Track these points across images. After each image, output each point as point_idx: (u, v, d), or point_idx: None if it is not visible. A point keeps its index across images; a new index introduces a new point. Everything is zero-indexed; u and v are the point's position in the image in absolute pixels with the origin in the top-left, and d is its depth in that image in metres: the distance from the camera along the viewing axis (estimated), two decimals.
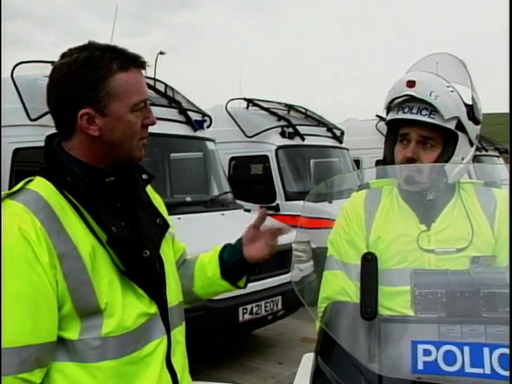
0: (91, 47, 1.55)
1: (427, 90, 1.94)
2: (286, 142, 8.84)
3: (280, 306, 5.94)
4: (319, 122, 9.73)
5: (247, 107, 9.40)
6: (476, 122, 2.00)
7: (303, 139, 9.01)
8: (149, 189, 1.80)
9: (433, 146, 1.99)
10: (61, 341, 1.46)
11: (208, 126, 7.04)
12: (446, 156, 1.98)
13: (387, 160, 2.11)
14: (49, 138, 1.62)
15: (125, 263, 1.53)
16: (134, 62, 1.57)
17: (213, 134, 7.23)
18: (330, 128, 9.73)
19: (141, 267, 1.57)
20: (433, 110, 1.94)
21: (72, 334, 1.46)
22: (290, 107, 9.74)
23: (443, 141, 1.98)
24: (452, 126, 1.95)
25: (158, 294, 1.63)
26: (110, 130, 1.54)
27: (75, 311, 1.45)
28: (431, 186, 2.00)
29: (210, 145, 7.14)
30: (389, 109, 2.08)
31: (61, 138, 1.61)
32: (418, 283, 1.17)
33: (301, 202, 7.85)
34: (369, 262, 1.17)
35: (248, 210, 6.77)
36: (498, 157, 15.33)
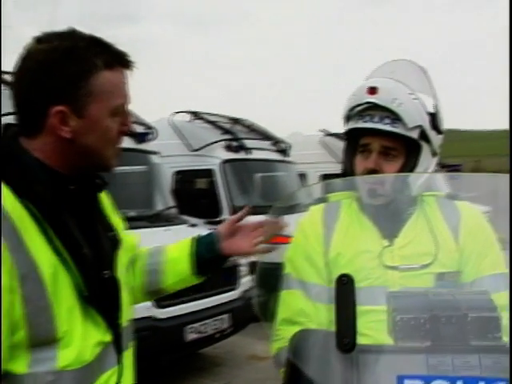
0: (74, 36, 1.35)
1: (389, 97, 1.83)
2: (232, 155, 8.73)
3: (228, 324, 5.77)
4: (265, 135, 9.64)
5: (192, 120, 9.24)
6: (438, 131, 1.91)
7: (249, 153, 8.91)
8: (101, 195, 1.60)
9: (395, 157, 1.87)
10: (4, 376, 1.24)
11: (152, 139, 6.84)
12: (408, 167, 1.87)
13: (347, 172, 1.99)
14: (5, 132, 1.42)
15: (88, 286, 1.34)
16: (121, 61, 1.40)
17: (157, 147, 7.03)
18: (275, 142, 9.66)
19: (101, 290, 1.39)
20: (395, 118, 1.83)
21: (20, 366, 1.25)
22: (235, 120, 9.62)
23: (406, 151, 1.87)
24: (415, 135, 1.85)
25: (114, 320, 1.46)
26: (84, 134, 1.35)
27: (27, 340, 1.24)
28: (394, 198, 1.89)
29: (154, 158, 6.94)
30: (348, 117, 1.96)
31: (23, 135, 1.38)
32: (397, 307, 1.03)
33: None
34: (344, 286, 1.02)
35: (194, 225, 6.59)
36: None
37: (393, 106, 1.81)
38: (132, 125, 1.48)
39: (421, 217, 1.91)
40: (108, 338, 1.42)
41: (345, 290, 1.01)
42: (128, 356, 1.55)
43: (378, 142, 1.87)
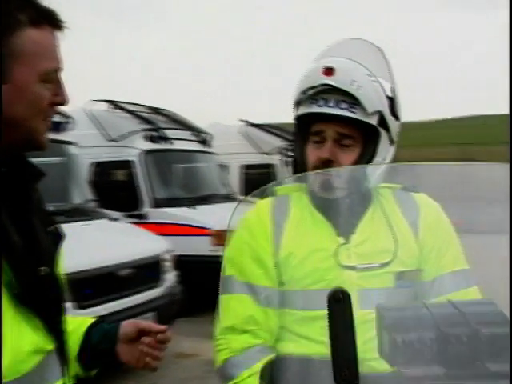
0: None
1: (348, 78, 1.65)
2: (152, 146, 8.47)
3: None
4: (186, 125, 9.41)
5: (110, 109, 8.85)
6: (397, 117, 1.74)
7: (170, 143, 8.65)
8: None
9: (352, 146, 1.70)
10: None
11: (69, 129, 6.46)
12: (367, 157, 1.70)
13: (298, 162, 1.80)
14: None
15: (21, 283, 1.14)
16: (50, 19, 1.20)
17: (74, 137, 6.65)
18: (197, 132, 9.44)
19: (37, 289, 1.19)
20: (353, 102, 1.65)
21: None
22: (155, 110, 9.33)
23: (363, 139, 1.71)
24: (374, 121, 1.68)
25: (55, 324, 1.26)
26: (9, 102, 1.15)
27: None
28: (349, 191, 1.72)
29: (70, 149, 6.56)
30: (299, 102, 1.76)
31: None
32: (393, 324, 0.86)
33: (170, 209, 7.50)
34: (339, 304, 0.84)
35: (114, 219, 6.29)
36: None
37: (351, 89, 1.64)
38: (67, 96, 1.26)
39: (377, 211, 1.75)
40: (50, 345, 1.23)
41: (340, 310, 0.83)
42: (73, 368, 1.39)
43: (333, 128, 1.69)
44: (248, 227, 1.79)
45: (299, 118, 1.77)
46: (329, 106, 1.67)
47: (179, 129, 9.15)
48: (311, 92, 1.69)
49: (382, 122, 1.69)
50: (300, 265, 1.68)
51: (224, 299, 1.75)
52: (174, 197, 8.56)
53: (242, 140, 11.97)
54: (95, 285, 4.80)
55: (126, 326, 1.51)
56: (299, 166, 1.78)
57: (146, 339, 1.47)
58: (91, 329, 1.51)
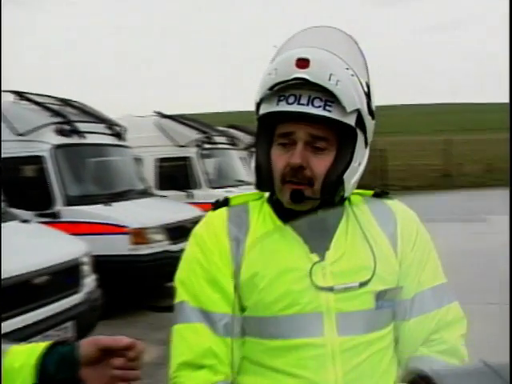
0: None
1: (325, 71, 1.42)
2: (64, 140, 7.99)
3: (72, 332, 5.20)
4: (98, 118, 8.98)
5: (16, 101, 8.29)
6: (373, 115, 1.53)
7: (82, 137, 8.22)
8: None
9: (325, 149, 1.47)
10: None
11: None
12: (343, 161, 1.47)
13: (262, 168, 1.54)
14: None
15: None
16: None
17: None
18: (110, 125, 9.04)
19: None
20: (328, 100, 1.43)
21: None
22: (65, 102, 8.84)
23: (338, 141, 1.48)
24: (352, 121, 1.46)
25: None
26: None
27: None
28: (323, 202, 1.52)
29: None
30: (264, 98, 1.51)
31: None
32: None
33: (84, 207, 7.09)
34: None
35: (26, 221, 5.86)
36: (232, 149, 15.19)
37: (329, 84, 1.41)
38: None
39: (351, 222, 1.56)
40: None
41: None
42: None
43: (305, 130, 1.45)
44: (200, 244, 1.55)
45: (263, 117, 1.52)
46: (301, 104, 1.43)
47: (92, 122, 8.68)
48: (278, 88, 1.45)
49: (359, 121, 1.48)
50: (269, 287, 1.48)
51: (177, 330, 1.53)
52: (88, 194, 8.18)
53: (157, 132, 11.64)
54: (8, 296, 4.41)
55: (86, 346, 1.24)
56: (264, 173, 1.53)
57: (115, 361, 1.22)
58: (44, 357, 1.23)
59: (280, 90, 1.45)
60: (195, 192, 11.22)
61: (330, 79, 1.41)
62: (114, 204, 8.05)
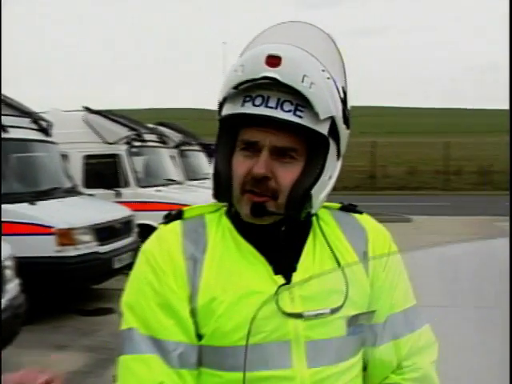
0: None
1: (298, 72, 1.26)
2: None
3: None
4: (23, 111, 8.56)
5: None
6: (348, 124, 1.38)
7: (5, 132, 7.81)
8: None
9: (293, 159, 1.32)
10: None
11: None
12: (312, 174, 1.32)
13: (221, 175, 1.37)
14: None
15: None
16: None
17: None
18: (35, 119, 8.65)
19: None
20: (299, 104, 1.28)
21: None
22: None
23: (307, 151, 1.33)
24: (325, 130, 1.31)
25: None
26: None
27: None
28: (287, 217, 1.38)
29: None
30: (226, 98, 1.35)
31: None
32: None
33: (6, 206, 6.73)
34: None
35: None
36: (201, 151, 15.71)
37: (302, 86, 1.25)
38: None
39: (319, 239, 1.42)
40: None
41: None
42: None
43: (272, 137, 1.30)
44: (152, 263, 1.36)
45: (225, 120, 1.36)
46: (269, 107, 1.27)
47: (15, 115, 8.25)
48: (244, 87, 1.30)
49: (332, 130, 1.32)
50: (228, 313, 1.31)
51: (124, 361, 1.32)
52: (11, 191, 7.75)
53: (85, 128, 11.24)
54: None
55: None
56: (223, 181, 1.37)
57: None
58: None
59: (246, 89, 1.30)
60: (124, 191, 10.94)
61: (303, 81, 1.25)
62: (39, 203, 7.71)
